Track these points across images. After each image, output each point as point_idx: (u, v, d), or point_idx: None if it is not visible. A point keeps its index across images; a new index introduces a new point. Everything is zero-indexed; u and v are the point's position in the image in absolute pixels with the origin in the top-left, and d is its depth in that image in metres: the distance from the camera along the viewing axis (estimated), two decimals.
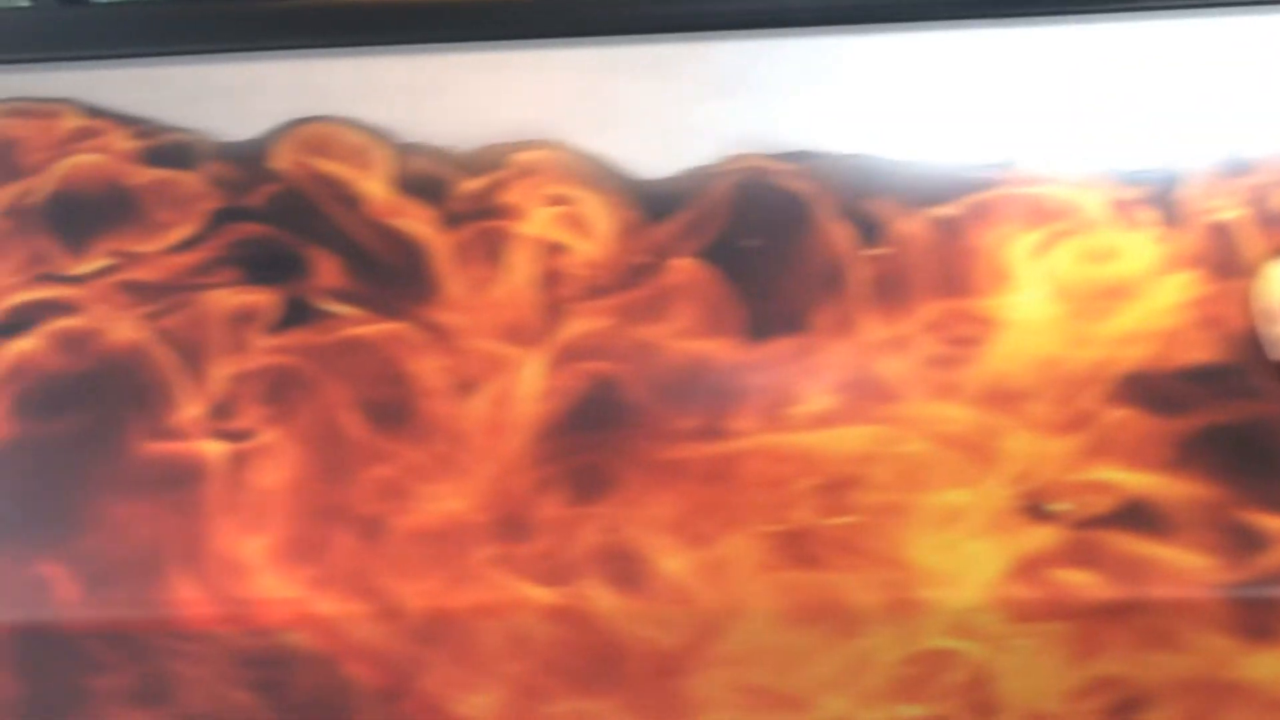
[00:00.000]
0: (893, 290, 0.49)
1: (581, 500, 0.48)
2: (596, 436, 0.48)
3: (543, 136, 0.52)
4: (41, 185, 0.53)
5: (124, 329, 0.50)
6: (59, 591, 0.48)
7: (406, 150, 0.52)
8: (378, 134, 0.53)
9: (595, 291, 0.50)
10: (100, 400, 0.50)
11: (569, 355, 0.49)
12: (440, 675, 0.48)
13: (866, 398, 0.48)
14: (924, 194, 0.49)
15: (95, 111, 0.54)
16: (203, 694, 0.49)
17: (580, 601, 0.48)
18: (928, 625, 0.47)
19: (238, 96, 0.54)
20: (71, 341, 0.50)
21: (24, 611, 0.48)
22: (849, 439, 0.48)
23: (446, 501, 0.48)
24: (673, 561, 0.47)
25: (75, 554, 0.49)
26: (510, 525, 0.48)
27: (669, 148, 0.51)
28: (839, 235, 0.49)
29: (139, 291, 0.51)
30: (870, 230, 0.49)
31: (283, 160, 0.52)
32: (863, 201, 0.49)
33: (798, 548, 0.47)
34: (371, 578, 0.48)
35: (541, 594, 0.48)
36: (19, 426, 0.50)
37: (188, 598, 0.48)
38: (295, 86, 0.54)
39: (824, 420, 0.48)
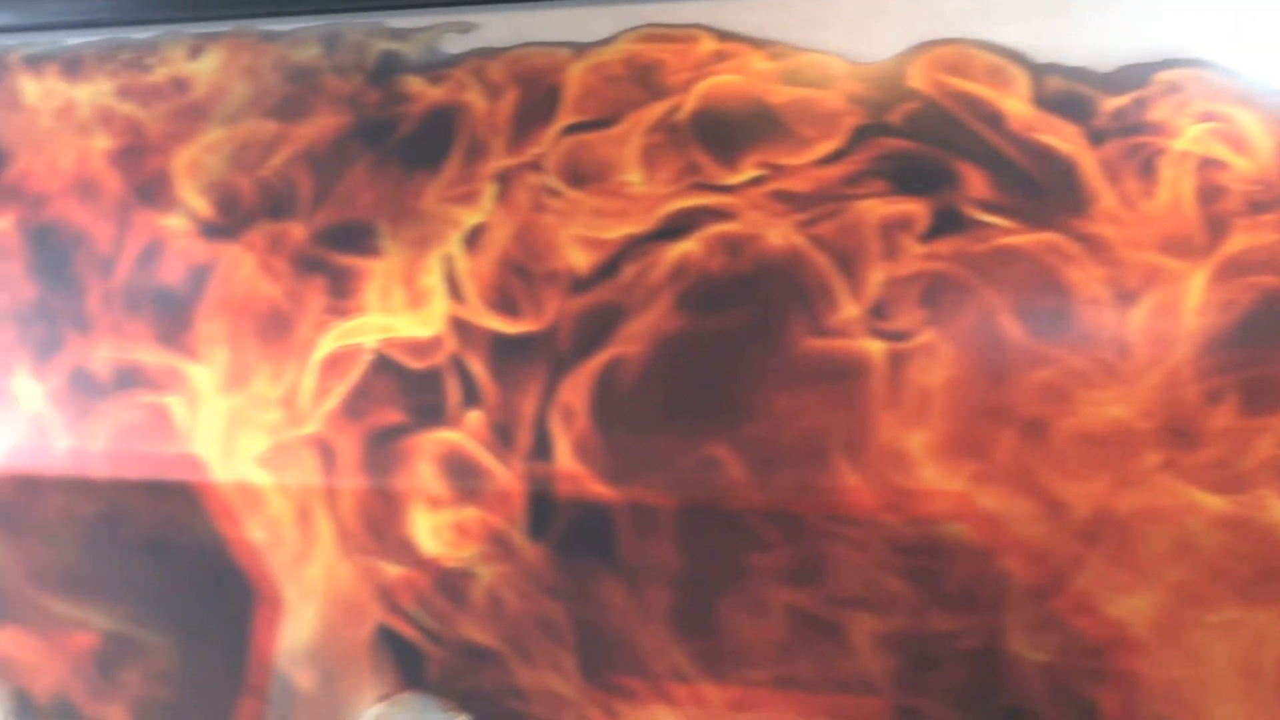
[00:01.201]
0: None
1: (1254, 412, 0.48)
2: (1266, 350, 0.48)
3: (1183, 55, 0.52)
4: (686, 103, 0.57)
5: (778, 234, 0.54)
6: (726, 473, 0.52)
7: (1042, 70, 0.53)
8: (1010, 55, 0.54)
9: (1258, 207, 0.50)
10: (760, 299, 0.53)
11: (1234, 269, 0.49)
12: (1097, 576, 0.49)
13: None
14: None
15: (727, 35, 0.58)
16: (856, 578, 0.51)
17: (1257, 511, 0.48)
18: None
19: (861, 21, 0.56)
20: (729, 245, 0.54)
21: (692, 490, 0.52)
22: None
23: (1110, 408, 0.49)
24: None
25: (741, 439, 0.52)
26: (1177, 433, 0.49)
27: None
28: None
29: (790, 200, 0.54)
30: None
31: (919, 80, 0.55)
32: None
33: None
34: (1034, 476, 0.49)
35: (1214, 501, 0.48)
36: (684, 320, 0.54)
37: (850, 485, 0.51)
38: (917, 10, 0.56)
39: None
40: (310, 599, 0.57)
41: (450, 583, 0.55)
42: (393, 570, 0.56)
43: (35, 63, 0.65)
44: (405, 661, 0.57)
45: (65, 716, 0.63)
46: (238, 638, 0.59)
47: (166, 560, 0.58)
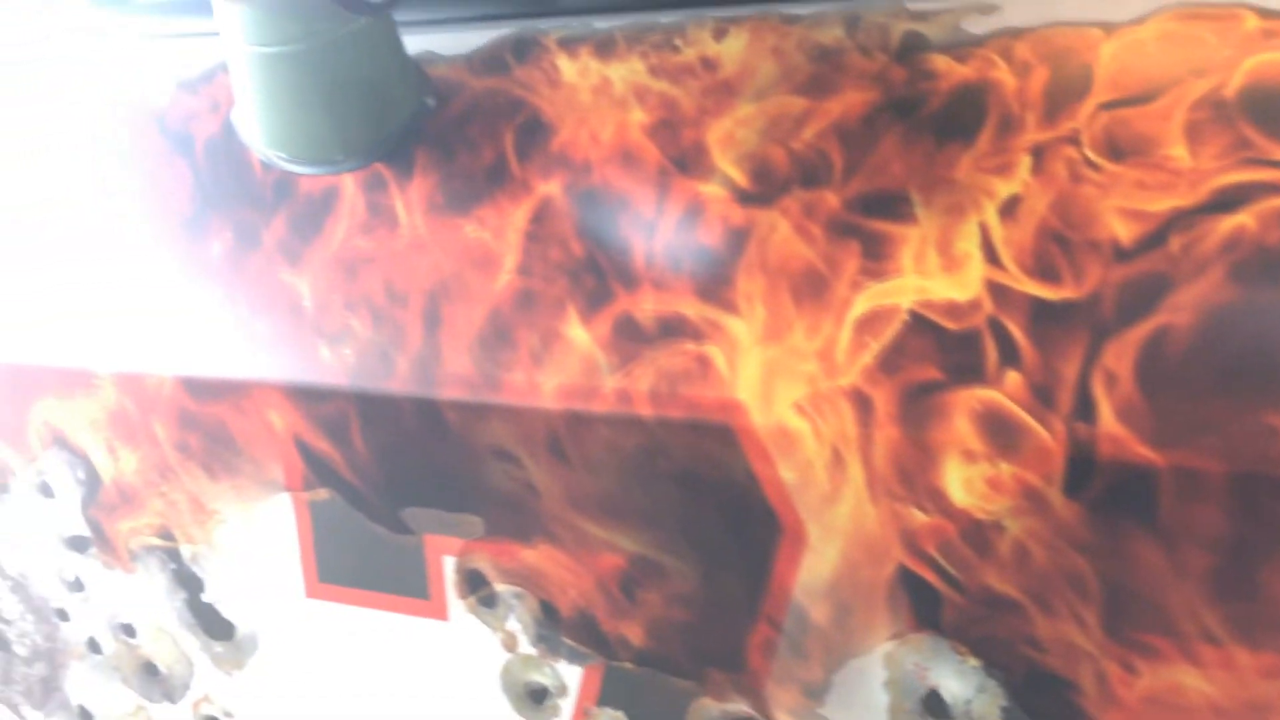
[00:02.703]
0: None
1: None
2: None
3: None
4: (1232, 79, 0.58)
5: None
6: None
7: None
8: None
9: None
10: None
11: None
12: None
13: None
14: None
15: (1270, 14, 0.58)
16: None
17: None
18: None
19: None
20: None
21: (1246, 456, 0.53)
22: None
23: None
24: None
25: None
26: None
27: None
28: None
29: None
30: None
31: None
32: None
33: None
34: None
35: None
36: (1237, 292, 0.54)
37: None
38: None
39: None
40: (834, 537, 0.62)
41: (977, 533, 0.59)
42: (920, 517, 0.60)
43: (569, 44, 0.73)
44: (922, 604, 0.61)
45: (586, 628, 0.70)
46: (759, 569, 0.64)
47: (698, 493, 0.65)
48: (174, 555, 0.81)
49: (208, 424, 0.77)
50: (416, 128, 0.75)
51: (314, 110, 0.73)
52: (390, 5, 0.67)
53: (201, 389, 0.76)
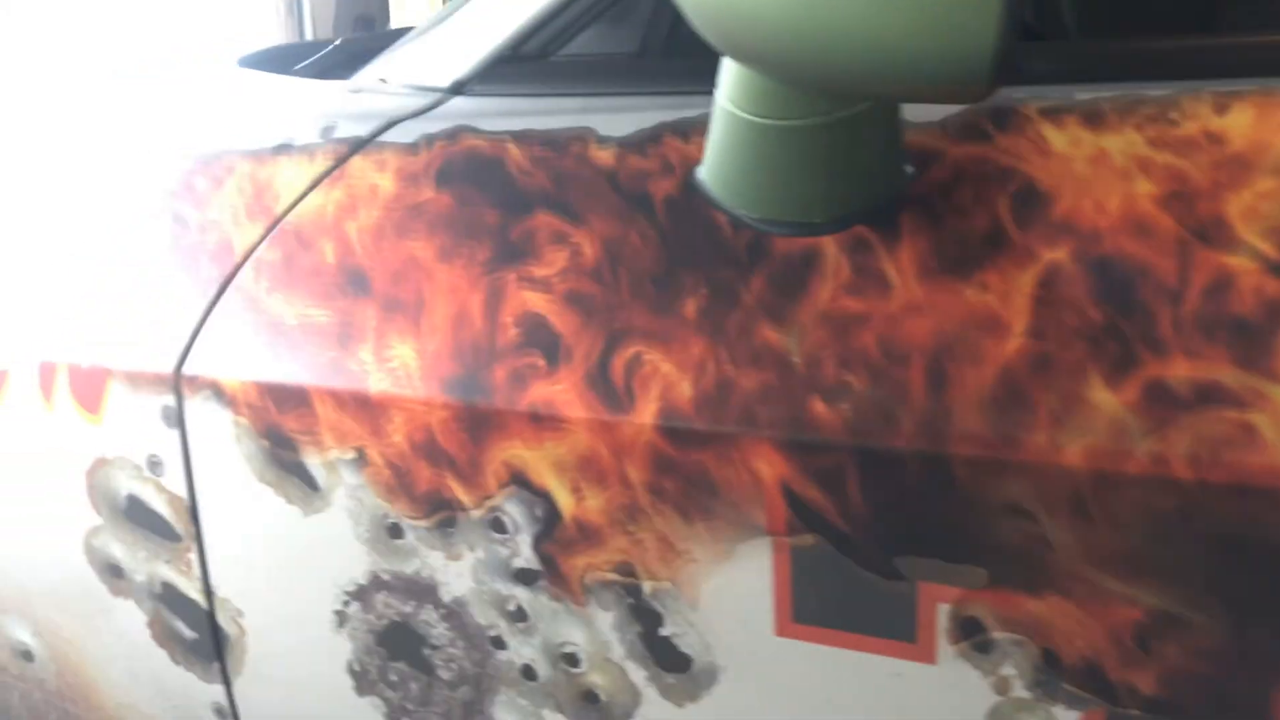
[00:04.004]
0: None
1: None
2: None
3: None
4: None
5: None
6: None
7: None
8: None
9: None
10: None
11: None
12: None
13: None
14: None
15: None
16: None
17: None
18: None
19: None
20: None
21: None
22: None
23: None
24: None
25: None
26: None
27: None
28: None
29: None
30: None
31: None
32: None
33: None
34: None
35: None
36: None
37: None
38: None
39: None
40: None
41: None
42: None
43: (1053, 115, 0.76)
44: None
45: (1090, 675, 0.74)
46: None
47: (1239, 553, 0.68)
48: (633, 590, 0.86)
49: (688, 470, 0.82)
50: (899, 193, 0.79)
51: (804, 178, 0.77)
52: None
53: (685, 438, 0.81)
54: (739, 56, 0.68)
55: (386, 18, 5.27)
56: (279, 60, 1.50)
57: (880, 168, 0.79)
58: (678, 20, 0.98)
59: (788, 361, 0.80)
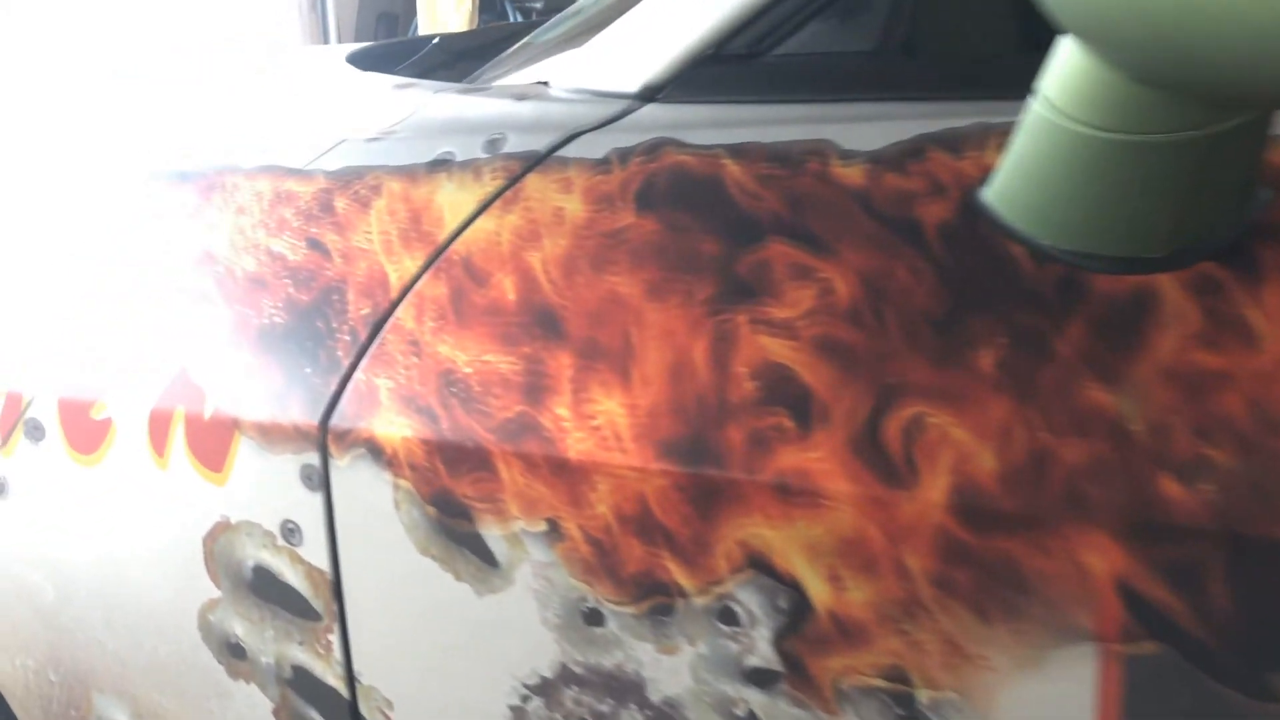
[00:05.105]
0: None
1: None
2: None
3: None
4: None
5: None
6: None
7: None
8: None
9: None
10: None
11: None
12: None
13: None
14: None
15: None
16: None
17: None
18: None
19: None
20: None
21: None
22: None
23: None
24: None
25: None
26: None
27: None
28: None
29: None
30: None
31: None
32: None
33: None
34: None
35: None
36: None
37: None
38: None
39: None
40: None
41: None
42: None
43: None
44: None
45: None
46: None
47: None
48: (904, 700, 0.71)
49: (988, 560, 0.67)
50: (1252, 224, 0.64)
51: (1148, 204, 0.62)
52: None
53: (987, 521, 0.66)
54: (1115, 52, 0.53)
55: (412, 15, 5.12)
56: (386, 59, 1.34)
57: (1238, 192, 0.64)
58: (922, 13, 0.83)
59: (1124, 430, 0.65)
